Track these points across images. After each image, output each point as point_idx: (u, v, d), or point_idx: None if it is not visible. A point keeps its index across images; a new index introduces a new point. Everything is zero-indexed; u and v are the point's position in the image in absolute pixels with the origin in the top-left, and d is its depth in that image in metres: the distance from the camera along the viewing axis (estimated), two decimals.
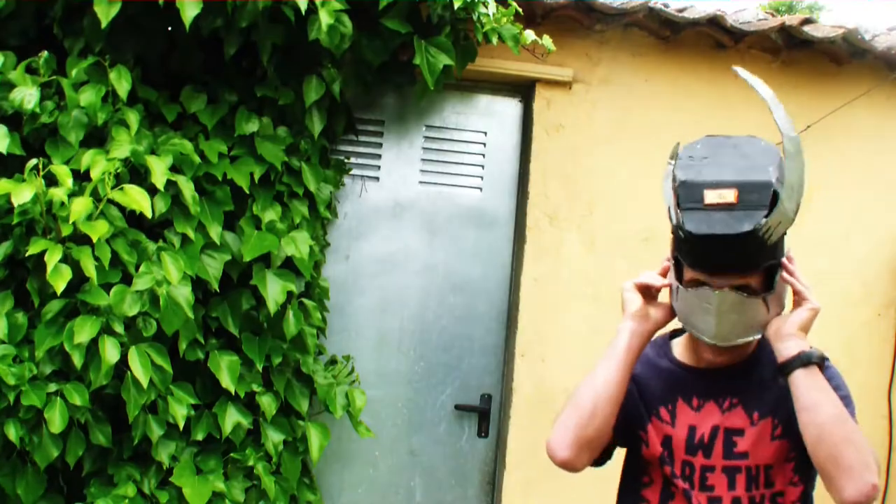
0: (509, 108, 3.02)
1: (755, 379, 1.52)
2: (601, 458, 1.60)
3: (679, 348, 1.62)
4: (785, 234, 1.42)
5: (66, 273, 1.90)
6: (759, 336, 1.47)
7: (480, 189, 2.98)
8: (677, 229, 1.42)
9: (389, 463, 2.90)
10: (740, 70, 1.54)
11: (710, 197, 1.37)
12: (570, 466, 1.53)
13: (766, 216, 1.34)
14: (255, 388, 2.33)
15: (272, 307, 2.24)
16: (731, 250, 1.37)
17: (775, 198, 1.35)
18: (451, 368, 2.95)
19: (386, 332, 2.90)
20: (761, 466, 1.49)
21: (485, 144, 2.98)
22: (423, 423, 2.93)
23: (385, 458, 2.90)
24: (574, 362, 3.05)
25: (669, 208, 1.45)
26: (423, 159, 2.94)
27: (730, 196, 1.36)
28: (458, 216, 2.96)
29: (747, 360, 1.53)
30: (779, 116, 1.41)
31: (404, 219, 2.92)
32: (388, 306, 2.90)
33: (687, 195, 1.39)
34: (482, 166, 2.98)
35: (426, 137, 2.95)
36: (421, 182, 2.94)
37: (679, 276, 1.49)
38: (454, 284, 2.95)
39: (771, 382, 1.49)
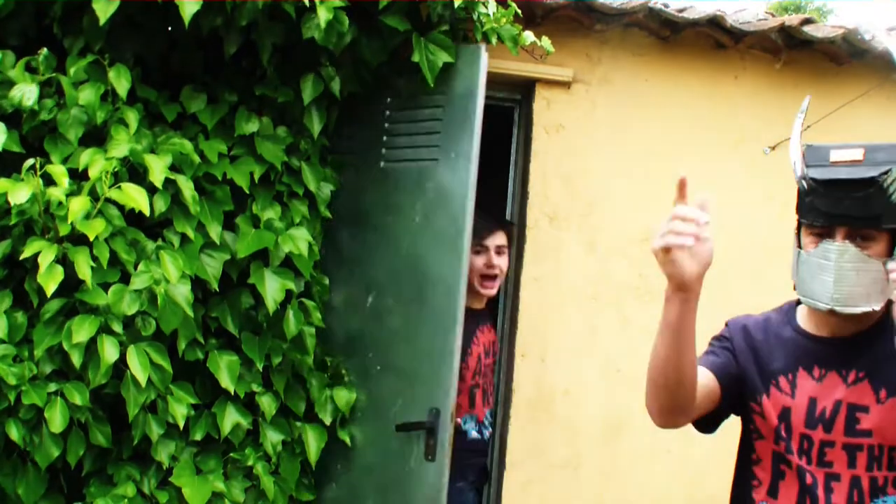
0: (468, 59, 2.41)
1: (883, 352, 1.44)
2: (706, 425, 1.57)
3: (803, 315, 1.57)
4: None
5: (58, 274, 1.89)
6: (877, 307, 1.41)
7: (437, 160, 2.44)
8: (801, 180, 1.42)
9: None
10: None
11: (836, 155, 1.40)
12: (671, 427, 1.51)
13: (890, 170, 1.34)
14: (255, 388, 2.33)
15: (271, 306, 2.24)
16: (854, 200, 1.36)
17: None
18: (403, 375, 2.45)
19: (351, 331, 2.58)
20: (885, 447, 1.43)
21: (443, 108, 2.44)
22: (374, 436, 2.50)
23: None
24: (574, 362, 3.06)
25: (795, 163, 1.45)
26: (389, 135, 2.54)
27: (857, 154, 1.38)
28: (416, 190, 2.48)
29: (872, 330, 1.47)
30: None
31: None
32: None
33: (813, 155, 1.42)
34: (439, 132, 2.43)
35: (390, 112, 2.55)
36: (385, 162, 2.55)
37: (800, 244, 1.48)
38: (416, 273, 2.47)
39: None
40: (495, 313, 3.19)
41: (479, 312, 2.69)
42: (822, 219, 1.40)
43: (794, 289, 1.53)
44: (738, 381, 1.54)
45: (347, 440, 2.47)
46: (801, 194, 1.45)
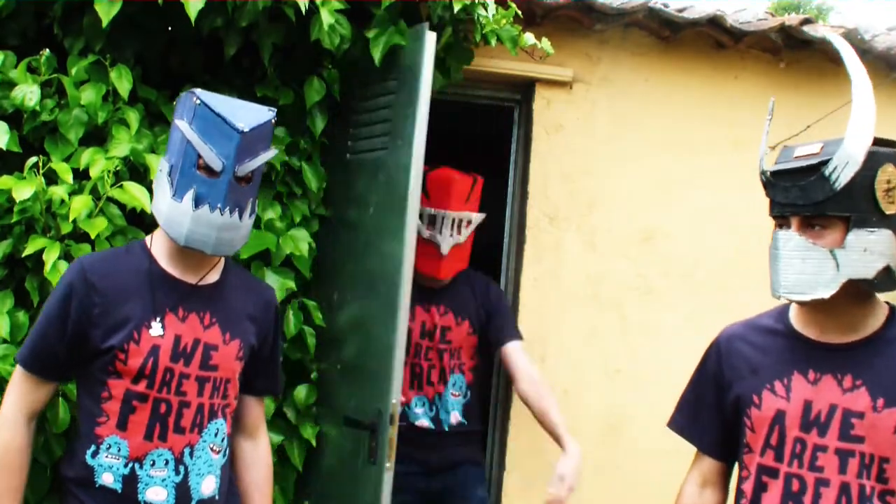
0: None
1: (885, 362, 1.44)
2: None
3: (794, 314, 1.57)
4: (873, 198, 1.39)
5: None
6: (826, 296, 1.40)
7: (387, 148, 2.32)
8: (761, 175, 1.49)
9: None
10: (829, 34, 1.68)
11: (799, 151, 1.46)
12: None
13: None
14: None
15: None
16: (800, 188, 1.40)
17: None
18: (357, 374, 2.35)
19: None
20: (876, 456, 1.41)
21: (395, 94, 2.32)
22: (332, 438, 2.41)
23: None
24: (574, 362, 3.06)
25: (760, 161, 1.51)
26: (354, 126, 2.47)
27: (815, 149, 1.43)
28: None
29: (871, 340, 1.47)
30: (849, 62, 1.47)
31: None
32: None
33: (783, 155, 1.50)
34: (390, 120, 2.32)
35: (354, 102, 2.47)
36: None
37: None
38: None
39: None
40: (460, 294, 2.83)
41: (428, 291, 2.67)
42: (776, 209, 1.46)
43: None
44: (726, 423, 1.61)
45: (312, 441, 2.38)
46: (766, 191, 1.51)
